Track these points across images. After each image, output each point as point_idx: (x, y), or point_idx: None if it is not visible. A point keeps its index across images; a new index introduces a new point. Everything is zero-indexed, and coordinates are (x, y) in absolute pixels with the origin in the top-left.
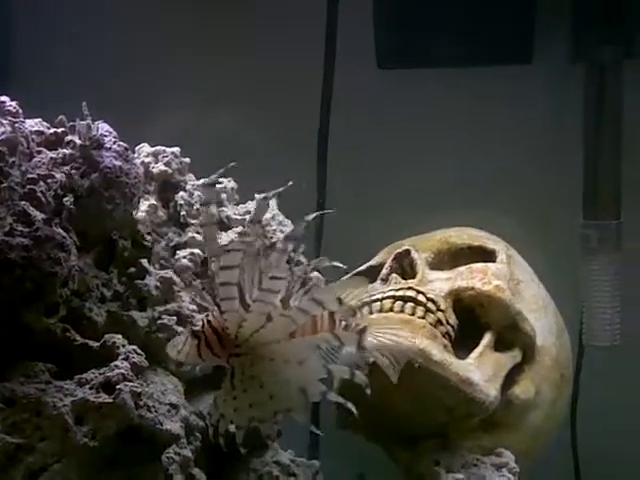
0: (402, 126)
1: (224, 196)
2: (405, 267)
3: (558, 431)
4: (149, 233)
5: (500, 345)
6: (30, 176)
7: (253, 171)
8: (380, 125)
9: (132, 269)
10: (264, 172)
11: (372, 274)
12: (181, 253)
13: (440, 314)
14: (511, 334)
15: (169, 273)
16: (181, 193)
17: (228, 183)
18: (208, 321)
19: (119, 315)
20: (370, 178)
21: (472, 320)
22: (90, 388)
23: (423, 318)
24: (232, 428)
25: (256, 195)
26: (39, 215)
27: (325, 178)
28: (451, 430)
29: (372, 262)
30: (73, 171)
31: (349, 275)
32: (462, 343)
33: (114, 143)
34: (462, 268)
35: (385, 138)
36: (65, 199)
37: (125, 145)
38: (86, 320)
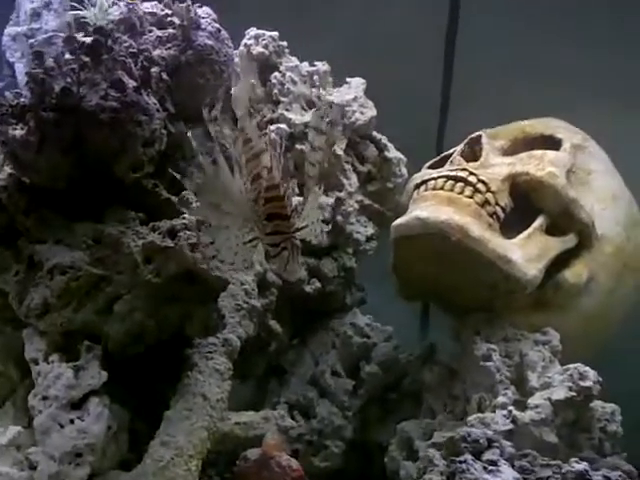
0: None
1: (316, 78)
2: (477, 152)
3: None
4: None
5: (556, 230)
6: (131, 50)
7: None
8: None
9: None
10: (392, 62)
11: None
12: (271, 127)
13: (489, 195)
14: (566, 220)
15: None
16: (275, 73)
17: (322, 67)
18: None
19: None
20: (493, 79)
21: (530, 205)
22: (159, 234)
23: (471, 198)
24: None
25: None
26: (131, 83)
27: (451, 74)
28: (498, 305)
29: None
30: (173, 48)
31: (433, 160)
32: (520, 226)
33: (209, 24)
34: (523, 154)
35: (510, 40)
36: (152, 70)
37: (219, 27)
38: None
